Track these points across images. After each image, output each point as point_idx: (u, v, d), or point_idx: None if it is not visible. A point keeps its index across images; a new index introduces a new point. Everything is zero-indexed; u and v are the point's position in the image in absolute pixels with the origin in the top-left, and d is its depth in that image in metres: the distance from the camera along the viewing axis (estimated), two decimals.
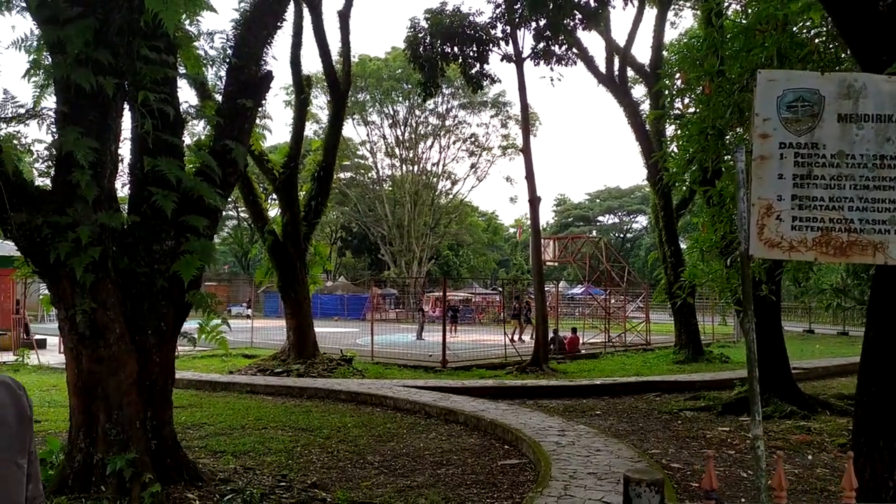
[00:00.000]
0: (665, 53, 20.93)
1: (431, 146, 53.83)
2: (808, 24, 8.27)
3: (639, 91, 25.53)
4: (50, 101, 5.91)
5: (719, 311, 30.42)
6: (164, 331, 6.28)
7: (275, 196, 18.36)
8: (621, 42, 21.24)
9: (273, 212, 19.26)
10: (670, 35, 28.86)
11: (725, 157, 9.94)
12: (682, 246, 21.63)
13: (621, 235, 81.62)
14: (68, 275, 5.63)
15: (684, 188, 20.41)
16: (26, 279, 20.13)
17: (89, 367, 5.83)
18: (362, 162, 55.76)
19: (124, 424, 5.83)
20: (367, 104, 51.08)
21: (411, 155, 53.42)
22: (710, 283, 10.68)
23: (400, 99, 50.94)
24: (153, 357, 6.19)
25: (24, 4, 5.59)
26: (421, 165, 53.78)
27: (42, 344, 21.28)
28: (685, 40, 21.22)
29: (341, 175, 50.78)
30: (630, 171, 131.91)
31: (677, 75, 11.02)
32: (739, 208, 3.06)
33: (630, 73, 21.98)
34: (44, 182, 6.03)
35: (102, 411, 5.81)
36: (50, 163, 5.92)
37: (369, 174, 56.12)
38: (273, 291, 40.37)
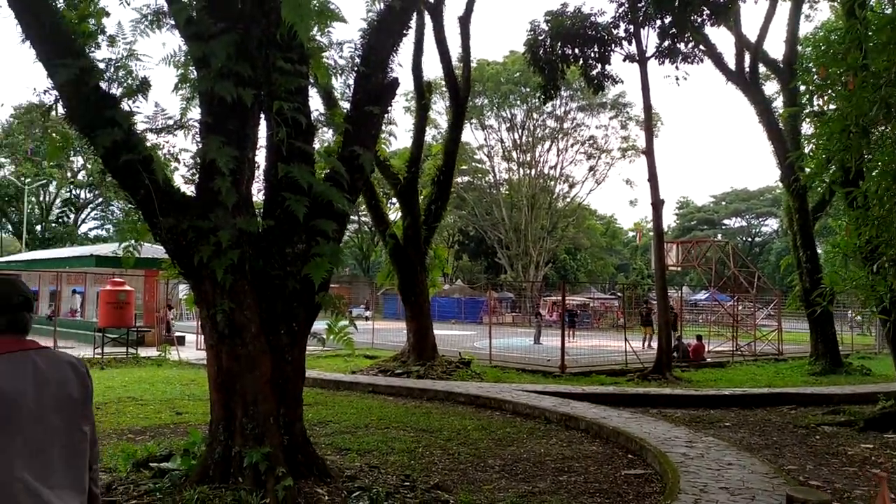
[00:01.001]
0: (799, 48, 19.86)
1: (549, 149, 53.44)
2: None
3: (770, 88, 24.36)
4: (195, 113, 6.29)
5: (864, 320, 28.47)
6: (295, 331, 6.52)
7: (395, 200, 18.75)
8: (752, 37, 20.34)
9: (393, 216, 19.67)
10: (805, 28, 27.37)
11: (868, 157, 9.31)
12: (819, 250, 20.41)
13: (749, 239, 78.09)
14: (210, 276, 5.95)
15: (821, 189, 19.30)
16: (169, 280, 21.56)
17: (228, 365, 6.14)
18: (479, 166, 56.07)
19: (259, 420, 6.10)
20: (485, 108, 51.30)
21: (528, 158, 53.21)
22: (855, 291, 10.00)
23: (517, 102, 50.85)
24: (285, 356, 6.43)
25: (172, 22, 5.97)
26: (538, 169, 53.45)
27: (181, 341, 22.69)
28: (821, 33, 20.09)
29: (459, 179, 51.21)
30: (759, 171, 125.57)
31: (813, 69, 10.42)
32: None
33: (761, 69, 20.99)
34: (187, 188, 6.42)
35: (240, 406, 6.10)
36: (194, 170, 6.29)
37: (486, 178, 56.34)
38: (392, 294, 41.28)
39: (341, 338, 6.75)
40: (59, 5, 5.98)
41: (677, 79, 19.51)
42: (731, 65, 20.31)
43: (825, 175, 10.48)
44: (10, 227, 54.23)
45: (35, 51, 5.62)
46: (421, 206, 17.81)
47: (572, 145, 53.28)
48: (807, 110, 11.25)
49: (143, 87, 5.90)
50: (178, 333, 23.42)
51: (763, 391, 14.42)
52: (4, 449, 2.13)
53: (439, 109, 43.53)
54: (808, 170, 10.59)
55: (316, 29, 6.43)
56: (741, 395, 13.76)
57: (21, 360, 2.23)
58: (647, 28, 17.93)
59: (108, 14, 6.27)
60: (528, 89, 47.27)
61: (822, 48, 10.11)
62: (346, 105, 7.51)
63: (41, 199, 53.85)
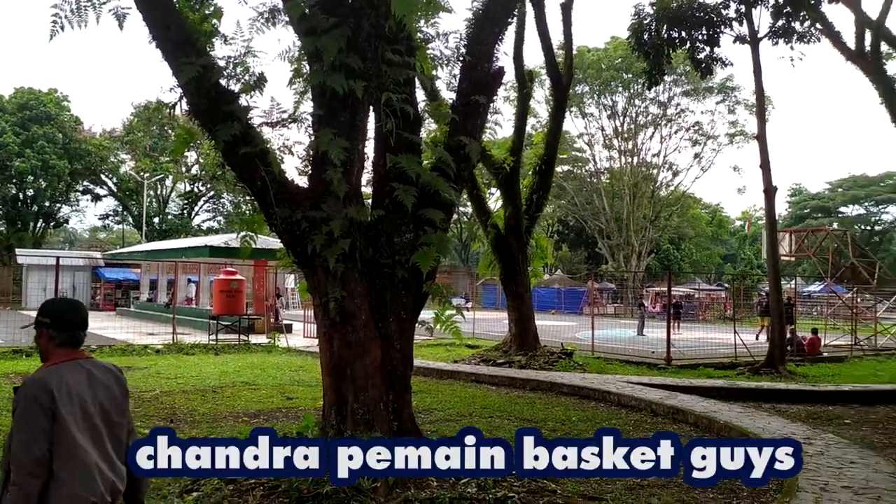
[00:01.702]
0: None
1: (652, 136, 52.10)
2: None
3: (893, 67, 22.85)
4: (307, 106, 6.49)
5: None
6: (403, 319, 6.63)
7: (495, 190, 18.69)
8: (873, 14, 19.06)
9: (493, 205, 19.65)
10: None
11: None
12: None
13: (868, 228, 73.64)
14: (322, 265, 6.12)
15: None
16: (277, 269, 22.30)
17: (340, 351, 6.31)
18: (579, 155, 55.24)
19: (370, 405, 6.25)
20: (586, 96, 50.46)
21: (630, 146, 52.05)
22: None
23: (619, 89, 49.75)
24: (394, 343, 6.55)
25: (287, 19, 6.17)
26: (640, 157, 52.19)
27: (289, 328, 23.51)
28: None
29: (558, 168, 50.56)
30: (880, 156, 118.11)
31: None
32: None
33: (884, 47, 19.66)
34: (300, 180, 6.61)
35: (351, 392, 6.27)
36: (307, 162, 6.49)
37: (586, 167, 55.48)
38: (491, 284, 41.22)
39: (448, 326, 6.84)
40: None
41: (792, 60, 18.59)
42: (851, 44, 19.14)
43: None
44: (130, 219, 57.66)
45: (161, 50, 5.93)
46: (522, 195, 17.72)
47: (676, 132, 51.76)
48: None
49: (260, 82, 6.13)
50: (285, 321, 24.27)
51: (886, 387, 13.62)
52: (84, 438, 2.77)
53: (538, 98, 43.19)
54: None
55: (422, 20, 6.50)
56: (862, 392, 13.03)
57: (78, 367, 2.88)
58: (759, 7, 17.19)
59: (222, 13, 6.54)
60: (630, 75, 46.26)
61: None
62: (450, 95, 7.56)
63: (158, 192, 56.94)
